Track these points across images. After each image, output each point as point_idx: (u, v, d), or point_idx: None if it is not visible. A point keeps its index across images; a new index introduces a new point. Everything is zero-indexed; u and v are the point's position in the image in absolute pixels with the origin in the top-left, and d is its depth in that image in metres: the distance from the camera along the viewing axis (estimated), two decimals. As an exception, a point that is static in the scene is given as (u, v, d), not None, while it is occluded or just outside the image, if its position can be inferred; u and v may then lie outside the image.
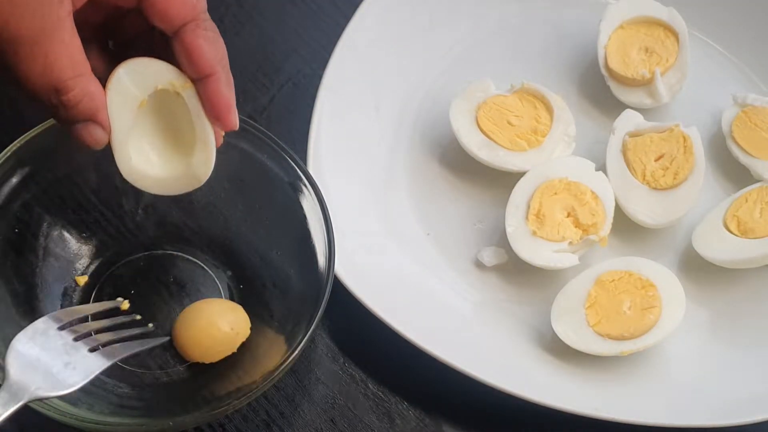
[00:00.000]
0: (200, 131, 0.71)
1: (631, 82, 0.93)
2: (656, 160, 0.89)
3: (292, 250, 0.79)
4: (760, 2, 0.98)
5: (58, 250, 0.80)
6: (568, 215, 0.86)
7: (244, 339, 0.78)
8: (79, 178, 0.81)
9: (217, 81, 0.70)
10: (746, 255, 0.85)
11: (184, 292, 0.82)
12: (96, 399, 0.73)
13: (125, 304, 0.79)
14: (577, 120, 0.91)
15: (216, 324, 0.77)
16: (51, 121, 0.76)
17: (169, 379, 0.78)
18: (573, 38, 0.99)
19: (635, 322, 0.81)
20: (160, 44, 0.71)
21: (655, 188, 0.88)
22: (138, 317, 0.78)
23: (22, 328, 0.68)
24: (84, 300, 0.80)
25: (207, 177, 0.72)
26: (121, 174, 0.71)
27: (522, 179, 0.87)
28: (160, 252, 0.83)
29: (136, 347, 0.73)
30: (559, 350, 0.82)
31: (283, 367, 0.72)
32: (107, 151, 0.70)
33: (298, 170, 0.79)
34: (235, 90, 0.71)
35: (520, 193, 0.87)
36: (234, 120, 0.71)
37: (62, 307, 0.79)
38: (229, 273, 0.83)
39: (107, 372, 0.75)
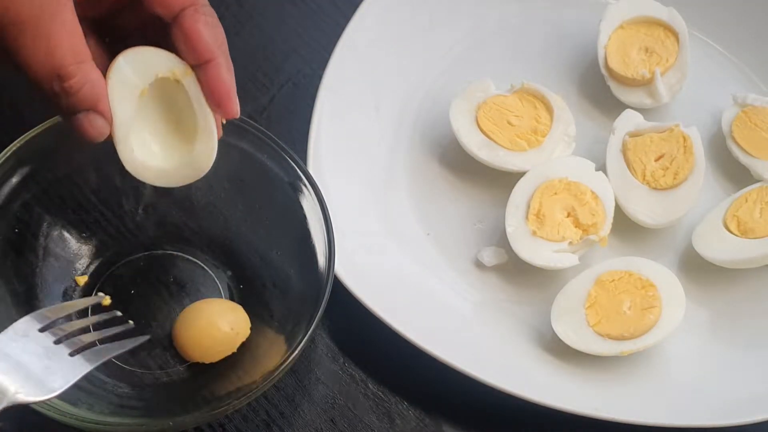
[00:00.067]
0: (202, 120, 0.70)
1: (631, 82, 0.93)
2: (656, 160, 0.88)
3: (292, 250, 0.79)
4: (760, 2, 0.98)
5: (58, 250, 0.80)
6: (568, 215, 0.86)
7: (244, 339, 0.78)
8: (79, 178, 0.80)
9: (217, 66, 0.69)
10: (746, 255, 0.85)
11: (184, 292, 0.82)
12: (96, 399, 0.73)
13: (106, 300, 0.79)
14: (577, 120, 0.91)
15: (216, 324, 0.77)
16: (51, 121, 0.76)
17: (169, 379, 0.78)
18: (573, 38, 0.99)
19: (635, 322, 0.81)
20: (155, 40, 0.71)
21: (655, 188, 0.88)
22: (119, 314, 0.75)
23: (21, 328, 0.68)
24: (84, 300, 0.80)
25: (209, 166, 0.71)
26: (123, 167, 0.70)
27: (522, 179, 0.87)
28: (160, 252, 0.83)
29: (116, 349, 0.71)
30: (559, 350, 0.82)
31: (283, 367, 0.72)
32: (107, 151, 0.70)
33: (298, 170, 0.78)
34: (235, 90, 0.71)
35: (520, 193, 0.87)
36: (235, 107, 0.70)
37: (62, 307, 0.79)
38: (229, 273, 0.83)
39: (107, 372, 0.75)
